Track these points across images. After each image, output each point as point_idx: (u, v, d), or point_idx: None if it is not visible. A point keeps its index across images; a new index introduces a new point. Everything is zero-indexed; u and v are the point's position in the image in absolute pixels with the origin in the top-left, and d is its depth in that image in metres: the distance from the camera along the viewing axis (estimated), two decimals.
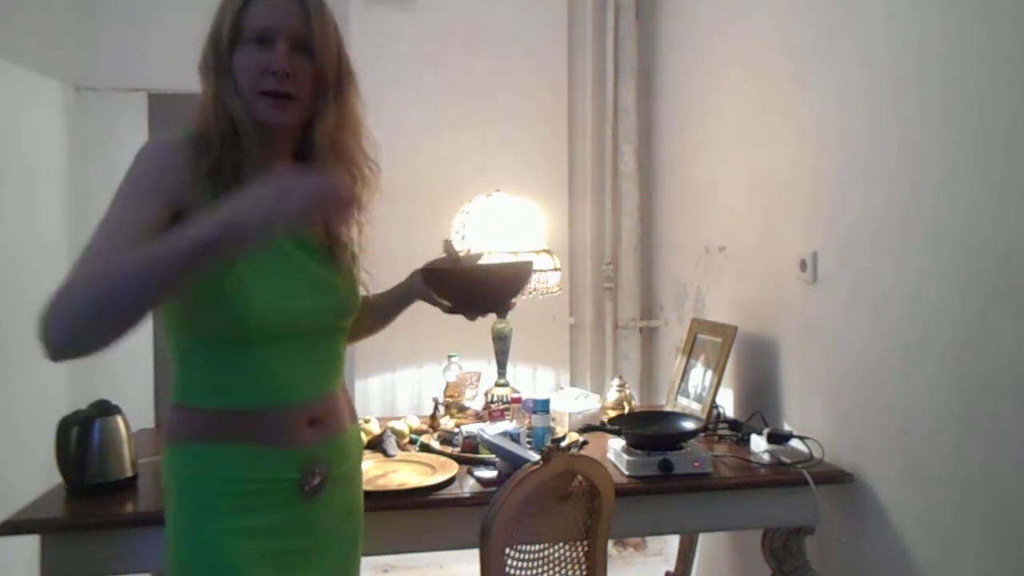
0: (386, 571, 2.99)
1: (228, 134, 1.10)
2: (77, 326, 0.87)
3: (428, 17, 3.06)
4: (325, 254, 1.22)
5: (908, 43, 1.65)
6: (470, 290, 1.29)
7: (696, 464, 1.80)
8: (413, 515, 1.68)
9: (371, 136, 1.23)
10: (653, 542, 3.20)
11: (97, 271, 0.89)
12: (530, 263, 1.34)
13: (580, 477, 1.50)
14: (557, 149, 3.17)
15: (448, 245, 1.39)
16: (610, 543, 1.80)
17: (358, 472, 1.31)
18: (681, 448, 1.84)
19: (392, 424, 2.09)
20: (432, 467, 1.82)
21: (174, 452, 1.14)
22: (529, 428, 1.99)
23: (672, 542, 2.81)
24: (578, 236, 3.20)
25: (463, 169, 2.96)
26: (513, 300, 1.35)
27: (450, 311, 1.34)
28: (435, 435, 2.10)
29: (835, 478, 1.82)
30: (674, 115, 3.03)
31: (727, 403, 2.35)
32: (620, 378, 2.39)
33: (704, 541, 2.56)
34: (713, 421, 2.16)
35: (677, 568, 2.53)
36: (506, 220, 2.34)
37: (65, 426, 1.64)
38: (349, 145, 1.20)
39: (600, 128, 3.19)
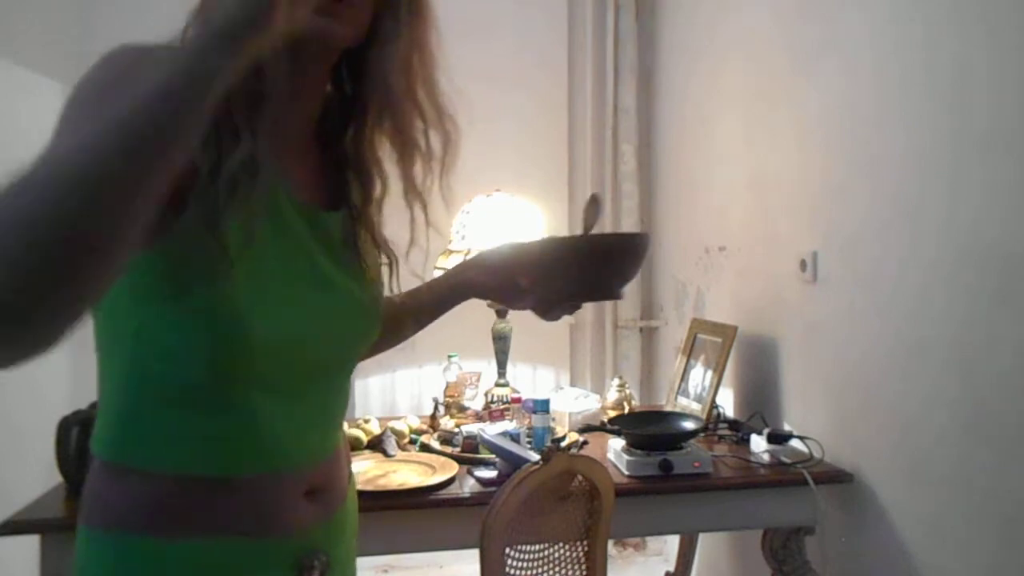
0: (386, 571, 2.99)
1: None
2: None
3: None
4: (348, 250, 0.85)
5: (912, 42, 1.65)
6: (589, 271, 0.92)
7: (696, 464, 1.80)
8: (413, 515, 1.68)
9: (448, 88, 0.85)
10: (653, 542, 3.20)
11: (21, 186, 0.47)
12: (640, 234, 0.97)
13: (580, 477, 1.50)
14: (557, 149, 3.17)
15: (592, 206, 1.00)
16: (610, 543, 1.80)
17: (354, 545, 0.94)
18: (681, 448, 1.84)
19: (392, 424, 2.09)
20: (432, 467, 1.82)
21: (99, 544, 0.76)
22: (529, 428, 1.99)
23: (672, 542, 2.81)
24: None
25: (463, 169, 2.96)
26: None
27: (540, 304, 0.95)
28: (435, 435, 2.10)
29: (835, 478, 1.82)
30: (674, 115, 3.02)
31: (727, 403, 2.35)
32: (620, 378, 2.39)
33: (704, 541, 2.56)
34: (713, 421, 2.16)
35: (677, 568, 2.53)
36: (506, 220, 2.33)
37: (65, 426, 1.64)
38: (418, 90, 0.81)
39: (600, 128, 3.19)
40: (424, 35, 0.81)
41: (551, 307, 0.95)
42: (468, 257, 1.01)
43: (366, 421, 2.08)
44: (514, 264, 0.94)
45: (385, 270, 0.90)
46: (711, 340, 2.29)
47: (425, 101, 0.82)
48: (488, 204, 2.37)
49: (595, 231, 0.95)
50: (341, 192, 0.87)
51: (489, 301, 1.03)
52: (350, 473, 0.94)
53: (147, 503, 0.74)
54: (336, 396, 0.87)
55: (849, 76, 1.85)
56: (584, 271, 0.91)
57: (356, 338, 0.86)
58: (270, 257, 0.74)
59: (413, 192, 0.86)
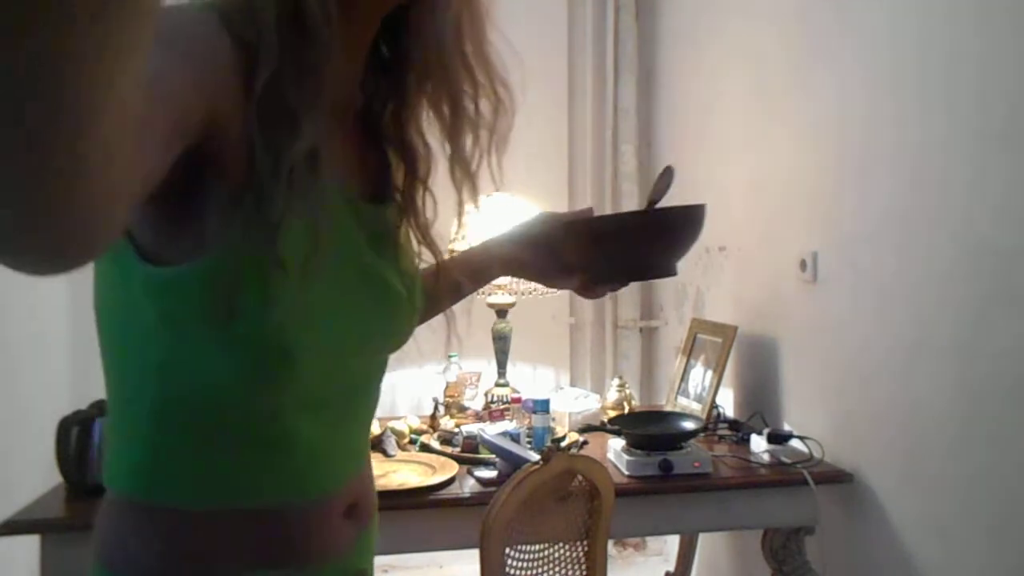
0: (386, 571, 2.99)
1: (287, 26, 0.59)
2: None
3: None
4: (390, 242, 0.76)
5: (907, 42, 1.65)
6: (649, 247, 0.85)
7: (696, 464, 1.80)
8: (413, 515, 1.68)
9: (499, 48, 0.74)
10: (653, 542, 3.20)
11: None
12: (704, 206, 0.87)
13: (580, 477, 1.50)
14: (557, 149, 3.17)
15: (664, 178, 0.91)
16: (610, 543, 1.80)
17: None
18: (681, 448, 1.84)
19: (392, 424, 2.09)
20: (432, 467, 1.82)
21: None
22: (529, 428, 1.99)
23: (672, 542, 2.81)
24: None
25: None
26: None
27: (591, 283, 0.89)
28: (435, 435, 2.11)
29: (835, 478, 1.82)
30: (675, 115, 3.02)
31: (727, 403, 2.35)
32: (620, 378, 2.40)
33: (704, 541, 2.56)
34: (713, 421, 2.16)
35: (677, 568, 2.53)
36: (507, 220, 2.33)
37: (65, 426, 1.64)
38: (468, 51, 0.71)
39: (600, 128, 3.19)
40: None
41: (597, 285, 0.88)
42: (505, 232, 0.91)
43: None
44: (563, 240, 0.86)
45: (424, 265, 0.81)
46: (711, 340, 2.29)
47: (476, 63, 0.72)
48: (488, 204, 2.37)
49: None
50: (382, 177, 0.77)
51: (518, 280, 0.91)
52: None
53: (182, 546, 0.66)
54: (371, 403, 0.80)
55: (846, 76, 1.85)
56: (644, 247, 0.84)
57: (398, 343, 0.78)
58: (325, 260, 0.64)
59: (463, 168, 0.75)
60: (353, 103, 0.73)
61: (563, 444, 2.02)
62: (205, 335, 0.61)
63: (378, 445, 2.00)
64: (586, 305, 3.20)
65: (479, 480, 1.76)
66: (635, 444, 1.86)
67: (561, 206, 3.13)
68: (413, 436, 2.10)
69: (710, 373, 2.22)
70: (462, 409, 2.29)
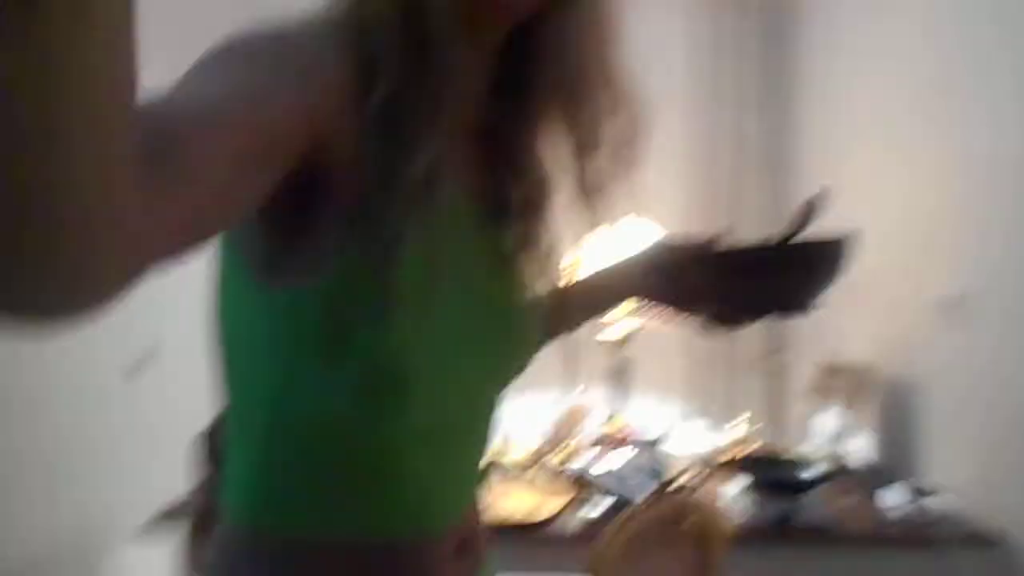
0: None
1: (409, 45, 0.57)
2: None
3: None
4: (511, 265, 0.72)
5: None
6: (781, 278, 0.80)
7: (821, 515, 1.69)
8: (514, 549, 1.67)
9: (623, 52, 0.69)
10: None
11: None
12: (848, 239, 0.82)
13: (691, 521, 1.44)
14: (682, 175, 3.11)
15: (809, 206, 0.85)
16: None
17: None
18: (806, 496, 1.74)
19: (501, 453, 2.09)
20: (540, 500, 1.81)
21: None
22: (643, 465, 1.94)
23: None
24: None
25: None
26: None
27: (720, 316, 0.83)
28: (545, 467, 2.09)
29: (981, 540, 1.66)
30: (811, 142, 2.89)
31: (860, 449, 2.20)
32: (743, 416, 2.30)
33: None
34: (843, 469, 2.02)
35: None
36: (629, 246, 2.31)
37: (203, 438, 1.75)
38: (597, 68, 0.67)
39: (733, 158, 3.10)
40: (605, 2, 0.66)
41: (727, 318, 0.83)
42: (630, 258, 0.86)
43: None
44: (691, 271, 0.81)
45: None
46: (845, 381, 2.15)
47: (606, 81, 0.67)
48: (612, 229, 2.35)
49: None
50: (504, 199, 0.72)
51: (638, 310, 0.89)
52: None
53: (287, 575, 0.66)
54: (486, 437, 0.76)
55: (1001, 102, 1.70)
56: (779, 283, 0.79)
57: (517, 372, 0.75)
58: (449, 286, 0.61)
59: (590, 192, 0.70)
60: (474, 122, 0.70)
61: (677, 484, 1.96)
62: (318, 361, 0.59)
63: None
64: (711, 338, 3.10)
65: (585, 518, 1.73)
66: (755, 488, 1.78)
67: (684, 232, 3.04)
68: (522, 468, 2.09)
69: (842, 416, 2.09)
70: (573, 443, 2.27)
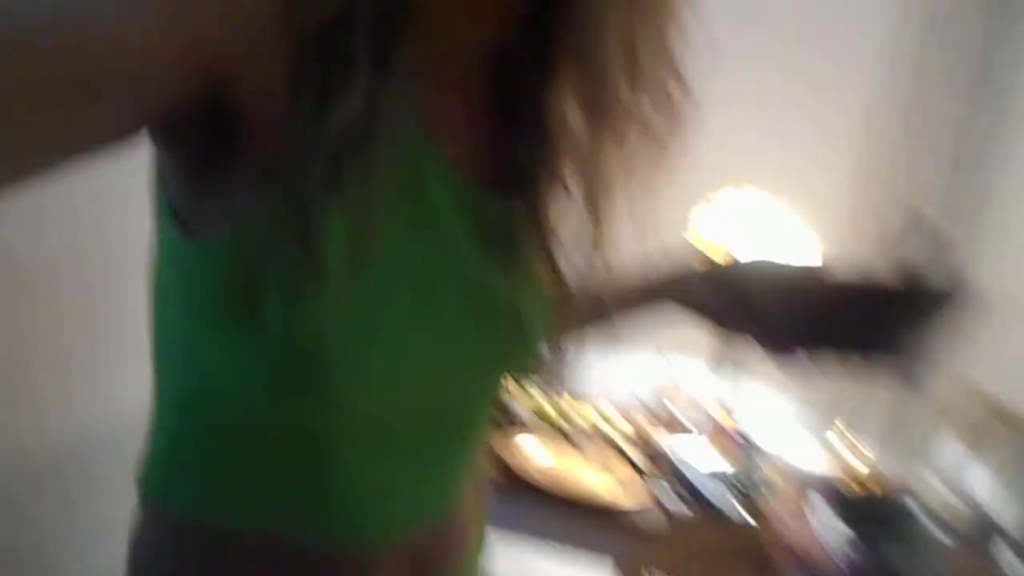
0: None
1: None
2: None
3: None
4: (515, 244, 0.61)
5: None
6: (878, 321, 0.69)
7: (936, 571, 1.48)
8: (575, 528, 1.57)
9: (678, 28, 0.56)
10: None
11: None
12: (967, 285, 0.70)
13: (756, 555, 1.28)
14: (844, 156, 2.79)
15: (915, 232, 0.78)
16: None
17: None
18: (918, 545, 1.52)
19: (602, 421, 1.97)
20: (621, 482, 1.68)
21: None
22: (738, 469, 1.77)
23: None
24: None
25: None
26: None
27: (779, 345, 0.71)
28: (636, 440, 1.94)
29: None
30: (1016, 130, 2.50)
31: (995, 501, 1.93)
32: (857, 434, 2.06)
33: None
34: (979, 531, 1.74)
35: None
36: (757, 222, 2.10)
37: None
38: (635, 38, 0.53)
39: (902, 134, 2.75)
40: None
41: (789, 350, 0.69)
42: (686, 266, 0.74)
43: (580, 402, 1.99)
44: (754, 293, 0.70)
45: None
46: (987, 417, 1.88)
47: (644, 55, 0.54)
48: (736, 198, 2.14)
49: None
50: (516, 162, 0.61)
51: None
52: (480, 524, 0.71)
53: (193, 559, 0.59)
54: (466, 438, 0.65)
55: None
56: (852, 321, 0.68)
57: (509, 367, 0.63)
58: (403, 259, 0.52)
59: (599, 178, 0.58)
60: (485, 70, 0.58)
61: (768, 501, 1.77)
62: (229, 327, 0.50)
63: (570, 432, 1.90)
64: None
65: (659, 508, 1.59)
66: (857, 523, 1.57)
67: (835, 223, 2.74)
68: (616, 439, 1.95)
69: (983, 462, 1.82)
70: (673, 419, 2.11)
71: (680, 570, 1.23)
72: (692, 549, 1.23)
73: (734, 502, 1.44)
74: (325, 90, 0.45)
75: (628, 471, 1.76)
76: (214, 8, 0.43)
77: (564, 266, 0.62)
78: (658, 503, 1.63)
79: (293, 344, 0.49)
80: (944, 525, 1.59)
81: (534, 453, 1.73)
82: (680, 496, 1.66)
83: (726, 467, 1.79)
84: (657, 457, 1.84)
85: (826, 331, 0.69)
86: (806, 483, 1.82)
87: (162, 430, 0.60)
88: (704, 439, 1.98)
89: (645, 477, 1.74)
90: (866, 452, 2.04)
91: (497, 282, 0.59)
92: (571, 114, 0.58)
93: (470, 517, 0.68)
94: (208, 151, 0.47)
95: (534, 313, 0.61)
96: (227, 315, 0.50)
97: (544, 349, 0.64)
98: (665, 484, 1.72)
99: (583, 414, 1.98)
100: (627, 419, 2.13)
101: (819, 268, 0.71)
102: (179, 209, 0.51)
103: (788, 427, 2.65)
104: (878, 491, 1.87)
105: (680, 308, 0.75)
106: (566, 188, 0.61)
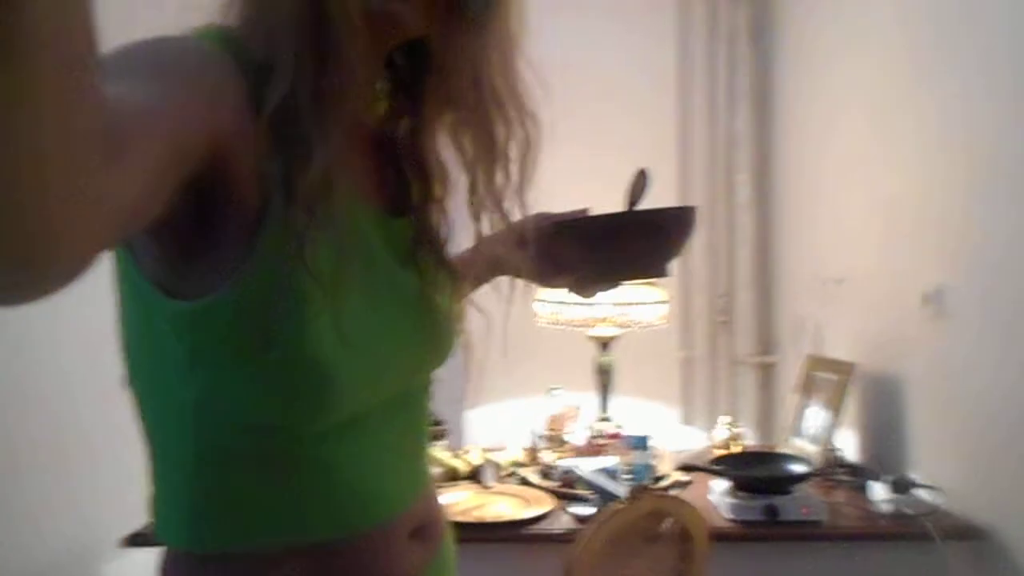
0: None
1: (309, 42, 0.58)
2: None
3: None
4: (417, 259, 0.75)
5: None
6: (634, 247, 0.87)
7: (805, 511, 1.69)
8: (506, 549, 1.67)
9: (526, 71, 0.71)
10: None
11: None
12: (694, 208, 0.93)
13: (671, 520, 1.44)
14: (667, 178, 3.11)
15: (639, 180, 0.95)
16: None
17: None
18: (790, 493, 1.73)
19: (491, 455, 2.09)
20: (528, 501, 1.80)
21: None
22: (629, 465, 1.93)
23: None
24: (690, 267, 3.11)
25: (568, 196, 2.95)
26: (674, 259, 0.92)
27: (583, 283, 0.92)
28: (535, 468, 2.08)
29: (966, 533, 1.65)
30: (792, 142, 2.90)
31: (846, 446, 2.19)
32: (729, 416, 2.29)
33: None
34: (829, 465, 2.02)
35: None
36: None
37: None
38: (490, 80, 0.68)
39: (713, 157, 3.10)
40: (503, 17, 0.67)
41: (590, 285, 0.91)
42: (495, 232, 0.84)
43: (466, 452, 2.08)
44: (553, 240, 0.86)
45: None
46: (828, 378, 2.15)
47: (500, 94, 0.68)
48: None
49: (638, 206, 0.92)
50: (402, 191, 0.76)
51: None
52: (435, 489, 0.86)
53: None
54: (420, 421, 0.78)
55: (985, 98, 1.71)
56: (629, 247, 0.87)
57: (441, 357, 0.78)
58: (354, 279, 0.63)
59: (482, 204, 0.73)
60: (368, 117, 0.74)
61: (663, 483, 1.95)
62: (240, 366, 0.60)
63: (476, 476, 2.00)
64: (698, 339, 3.09)
65: (575, 516, 1.72)
66: (740, 486, 1.77)
67: None
68: (512, 468, 2.08)
69: (827, 413, 2.08)
70: (563, 443, 2.26)
71: (606, 553, 1.35)
72: (610, 535, 1.35)
73: (627, 488, 1.59)
74: (293, 160, 0.58)
75: (530, 489, 1.89)
76: (217, 97, 0.55)
77: (451, 260, 0.78)
78: (566, 509, 1.76)
79: (298, 363, 0.60)
80: (813, 472, 1.80)
81: (451, 500, 1.81)
82: (581, 498, 1.80)
83: (615, 462, 1.96)
84: (551, 471, 1.98)
85: (607, 265, 0.88)
86: (694, 460, 2.01)
87: (185, 485, 0.66)
88: (599, 447, 2.14)
89: (545, 490, 1.87)
90: (739, 426, 2.25)
91: (415, 282, 0.73)
92: (440, 149, 0.75)
93: (432, 478, 0.82)
94: (199, 221, 0.57)
95: (446, 312, 0.77)
96: (241, 355, 0.60)
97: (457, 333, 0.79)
98: (564, 489, 1.86)
99: (482, 456, 2.09)
100: (523, 449, 2.26)
101: (583, 209, 0.93)
102: (163, 280, 0.60)
103: (671, 421, 2.87)
104: (755, 454, 2.10)
105: (501, 274, 0.90)
106: (443, 208, 0.77)
